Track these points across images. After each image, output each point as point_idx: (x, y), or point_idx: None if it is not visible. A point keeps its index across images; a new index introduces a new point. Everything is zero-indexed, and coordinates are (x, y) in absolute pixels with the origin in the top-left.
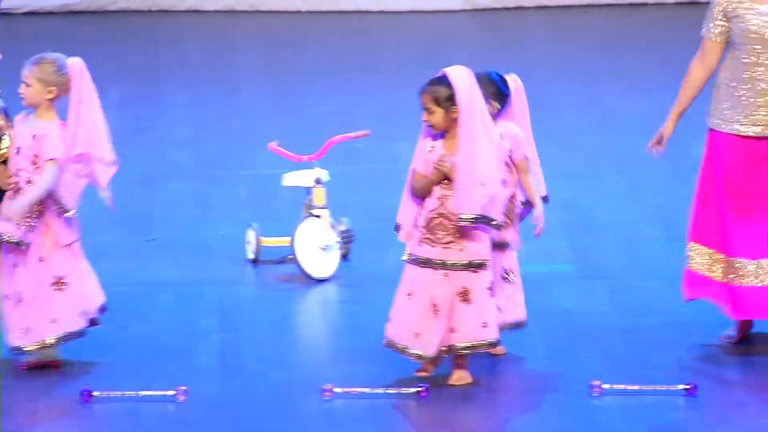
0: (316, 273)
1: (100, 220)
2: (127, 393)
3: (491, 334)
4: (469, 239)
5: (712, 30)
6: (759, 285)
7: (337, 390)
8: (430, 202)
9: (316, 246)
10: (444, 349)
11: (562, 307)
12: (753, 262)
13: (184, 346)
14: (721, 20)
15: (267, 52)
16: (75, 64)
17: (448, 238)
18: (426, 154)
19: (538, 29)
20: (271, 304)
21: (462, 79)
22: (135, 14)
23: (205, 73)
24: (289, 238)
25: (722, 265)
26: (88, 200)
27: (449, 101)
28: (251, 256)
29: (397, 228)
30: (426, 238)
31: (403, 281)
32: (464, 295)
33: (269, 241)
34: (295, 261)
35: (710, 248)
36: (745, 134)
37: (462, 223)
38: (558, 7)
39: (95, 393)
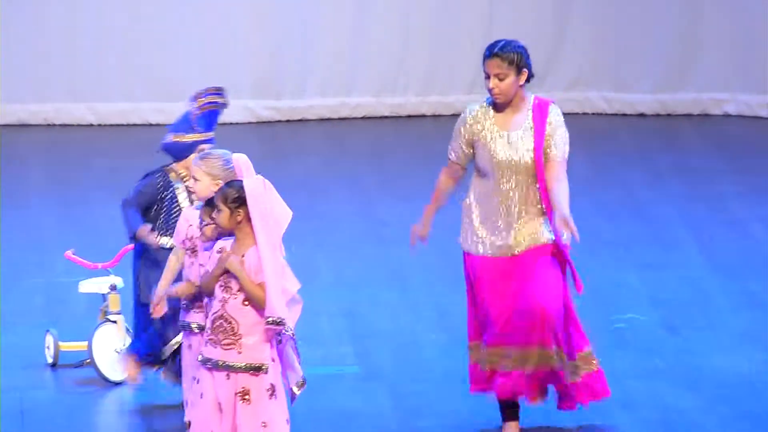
0: (113, 376)
1: None
2: None
3: None
4: (249, 343)
5: (455, 156)
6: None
7: None
8: (214, 305)
9: (113, 350)
10: None
11: (345, 409)
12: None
13: None
14: (465, 148)
15: (58, 164)
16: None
17: (228, 340)
18: (215, 254)
19: (317, 141)
20: (70, 408)
21: (255, 186)
22: None
23: None
24: (86, 343)
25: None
26: None
27: (236, 203)
28: (50, 360)
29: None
30: (210, 339)
31: (196, 383)
32: (244, 396)
33: (67, 346)
34: (92, 364)
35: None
36: (490, 255)
37: (269, 327)
38: (337, 119)
39: None
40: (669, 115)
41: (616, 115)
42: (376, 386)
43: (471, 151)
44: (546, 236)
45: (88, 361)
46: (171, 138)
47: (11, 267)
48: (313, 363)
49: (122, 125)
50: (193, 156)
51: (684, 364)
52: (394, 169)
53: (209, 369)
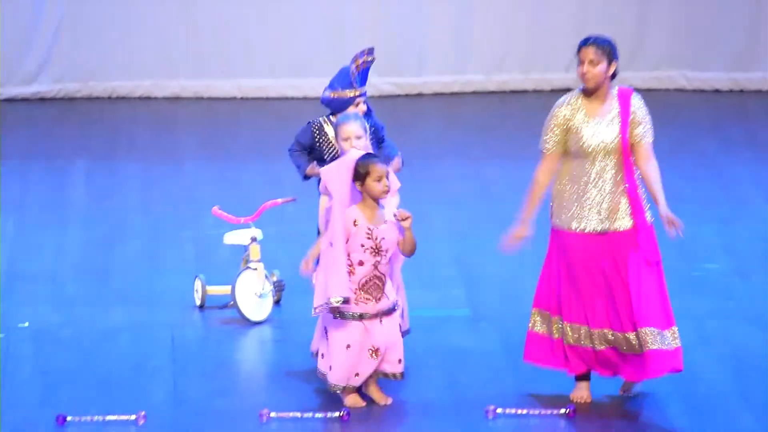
0: (254, 316)
1: (69, 272)
2: (96, 418)
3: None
4: (390, 288)
5: (549, 143)
6: (590, 347)
7: (272, 415)
8: (363, 270)
9: (253, 294)
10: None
11: (458, 347)
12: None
13: (143, 378)
14: (559, 134)
15: (207, 132)
16: None
17: (380, 293)
18: (351, 227)
19: (433, 113)
20: (215, 343)
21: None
22: (97, 100)
23: (154, 150)
24: (230, 287)
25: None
26: (62, 256)
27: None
28: (198, 302)
29: (347, 301)
30: (365, 298)
31: (338, 336)
32: (399, 329)
33: (213, 290)
34: (235, 306)
35: (552, 314)
36: (581, 230)
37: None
38: (450, 94)
39: (69, 418)
40: (741, 91)
41: (694, 91)
42: (485, 326)
43: (565, 137)
44: (629, 220)
45: (231, 303)
46: (330, 94)
47: (166, 221)
48: (428, 306)
49: (262, 98)
50: (351, 108)
51: (754, 306)
52: (500, 137)
53: (360, 321)
